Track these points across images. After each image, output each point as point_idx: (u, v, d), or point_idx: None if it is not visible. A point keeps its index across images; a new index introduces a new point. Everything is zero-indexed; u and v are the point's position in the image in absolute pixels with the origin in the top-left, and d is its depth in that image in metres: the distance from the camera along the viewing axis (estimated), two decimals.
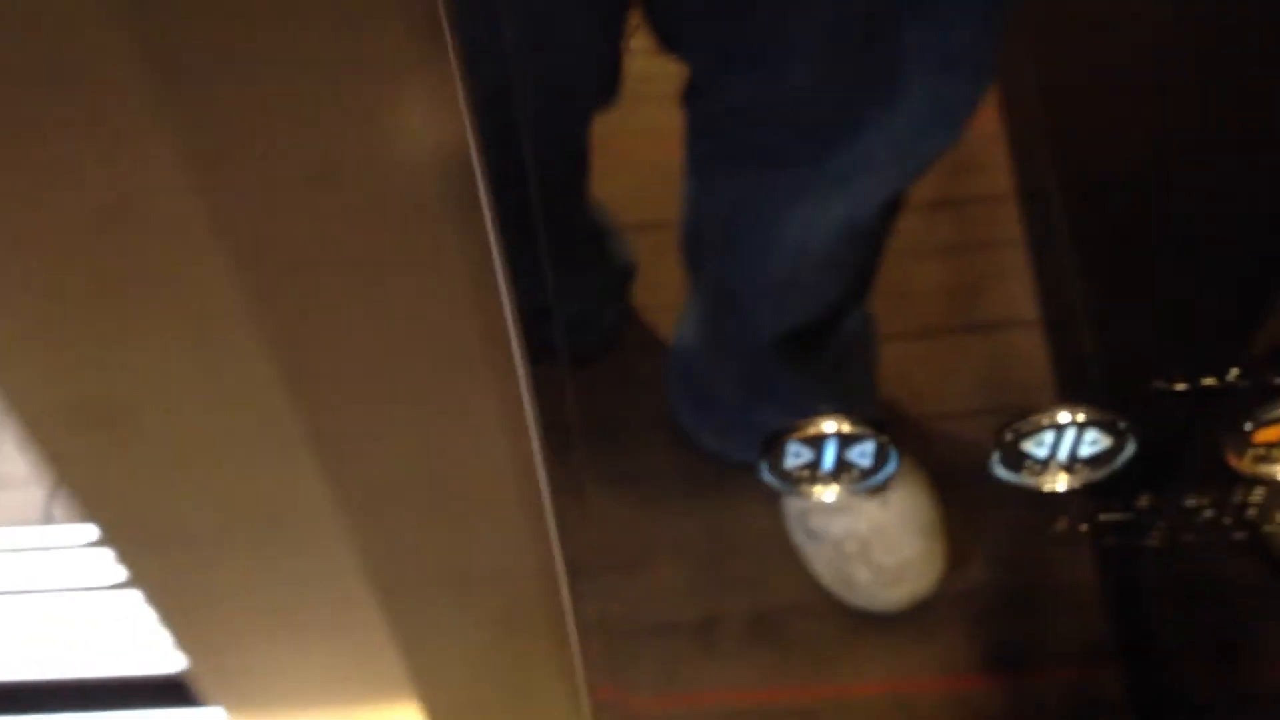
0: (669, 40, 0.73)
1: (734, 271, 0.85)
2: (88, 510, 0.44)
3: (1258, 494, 0.66)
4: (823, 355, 0.91)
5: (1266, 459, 0.64)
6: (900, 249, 0.96)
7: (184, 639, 0.54)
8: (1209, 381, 0.61)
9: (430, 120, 0.40)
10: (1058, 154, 1.02)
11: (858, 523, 1.05)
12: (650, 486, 1.16)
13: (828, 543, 1.07)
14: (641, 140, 0.92)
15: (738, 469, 1.05)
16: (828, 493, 0.72)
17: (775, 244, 0.80)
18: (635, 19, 0.75)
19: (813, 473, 0.72)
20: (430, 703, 0.64)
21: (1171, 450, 0.69)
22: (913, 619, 1.14)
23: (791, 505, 1.10)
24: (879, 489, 0.79)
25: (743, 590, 1.17)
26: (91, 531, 0.44)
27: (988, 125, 1.11)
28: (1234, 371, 0.60)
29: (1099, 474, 0.66)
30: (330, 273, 0.43)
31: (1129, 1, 0.86)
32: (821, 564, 1.09)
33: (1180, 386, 0.63)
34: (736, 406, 0.98)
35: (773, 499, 1.17)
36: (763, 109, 0.72)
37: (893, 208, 0.81)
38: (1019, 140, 1.05)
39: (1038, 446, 0.66)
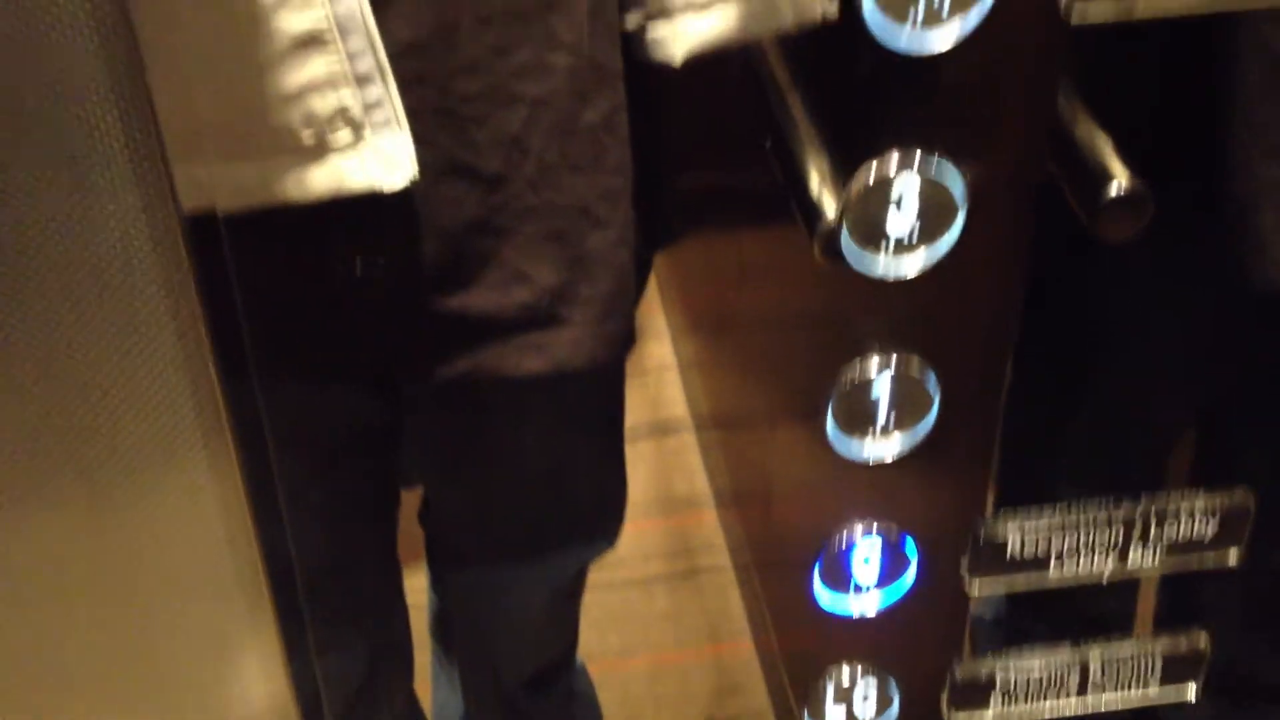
0: (407, 479, 1.03)
1: (483, 637, 1.14)
2: None
3: None
4: (560, 690, 1.21)
5: None
6: None
7: None
8: None
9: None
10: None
11: None
12: None
13: None
14: None
15: None
16: None
17: (506, 613, 1.11)
18: None
19: None
20: None
21: None
22: None
23: None
24: None
25: None
26: None
27: (742, 651, 1.33)
28: None
29: None
30: None
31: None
32: None
33: None
34: None
35: None
36: (483, 523, 1.04)
37: (582, 574, 1.13)
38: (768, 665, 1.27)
39: None
